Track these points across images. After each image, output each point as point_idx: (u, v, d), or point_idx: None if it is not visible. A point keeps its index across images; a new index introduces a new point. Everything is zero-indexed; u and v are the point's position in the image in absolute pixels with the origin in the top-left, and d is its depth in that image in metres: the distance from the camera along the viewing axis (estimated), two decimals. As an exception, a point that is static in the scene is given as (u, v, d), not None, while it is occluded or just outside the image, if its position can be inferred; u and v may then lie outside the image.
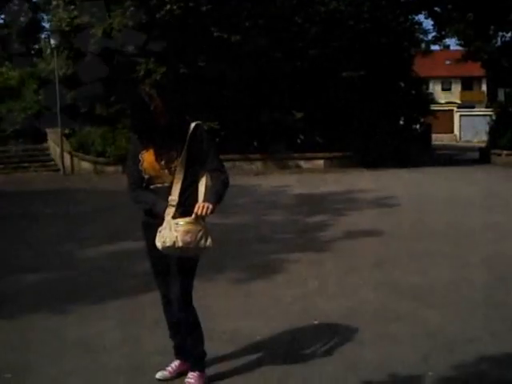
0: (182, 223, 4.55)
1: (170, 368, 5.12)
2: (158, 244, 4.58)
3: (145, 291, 7.18)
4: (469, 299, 7.30)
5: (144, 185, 4.79)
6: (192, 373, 4.92)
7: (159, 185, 4.73)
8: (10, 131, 31.14)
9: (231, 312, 6.91)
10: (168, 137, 4.70)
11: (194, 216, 4.56)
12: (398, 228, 12.46)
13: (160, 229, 4.59)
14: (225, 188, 4.80)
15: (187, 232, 4.54)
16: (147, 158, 4.74)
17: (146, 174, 4.75)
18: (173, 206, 4.63)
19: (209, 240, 4.66)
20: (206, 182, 4.75)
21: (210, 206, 4.57)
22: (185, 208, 4.64)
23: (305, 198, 17.97)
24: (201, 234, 4.60)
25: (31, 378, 5.29)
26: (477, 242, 10.95)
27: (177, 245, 4.53)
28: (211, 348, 5.19)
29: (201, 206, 4.56)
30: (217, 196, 4.70)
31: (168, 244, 4.53)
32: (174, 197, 4.65)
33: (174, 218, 4.59)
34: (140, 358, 5.57)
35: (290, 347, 5.82)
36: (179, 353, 5.17)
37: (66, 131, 29.34)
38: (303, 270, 8.96)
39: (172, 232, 4.53)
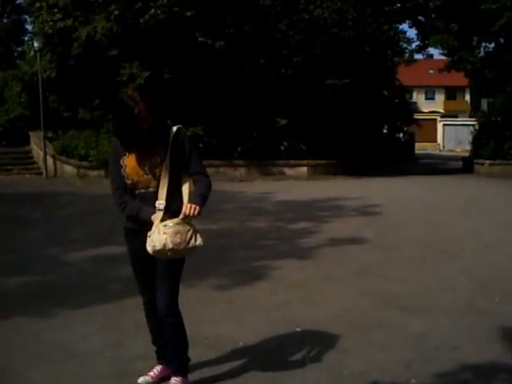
0: (170, 224, 4.54)
1: (152, 373, 5.09)
2: (149, 248, 4.56)
3: (128, 296, 7.15)
4: (451, 307, 7.33)
5: (128, 190, 4.76)
6: (175, 378, 4.90)
7: (143, 190, 4.71)
8: (-8, 134, 31.00)
9: (214, 318, 6.90)
10: (150, 141, 4.66)
11: (181, 216, 4.56)
12: (381, 236, 12.49)
13: (149, 234, 4.57)
14: (208, 191, 4.80)
15: (176, 233, 4.53)
16: (129, 163, 4.71)
17: (129, 180, 4.71)
18: (160, 210, 4.62)
19: (199, 239, 4.66)
20: (190, 186, 4.74)
21: (198, 207, 4.57)
22: (172, 212, 4.63)
23: (288, 204, 17.98)
24: (190, 233, 4.60)
25: (11, 381, 5.25)
26: (459, 250, 11.00)
27: (167, 247, 4.51)
28: (194, 353, 5.18)
29: (188, 206, 4.56)
30: (202, 198, 4.70)
31: (158, 247, 4.52)
32: (162, 201, 4.63)
33: (162, 221, 4.58)
34: (122, 362, 5.55)
35: (273, 354, 5.81)
36: (161, 358, 5.14)
37: (49, 134, 29.23)
38: (286, 277, 8.96)
39: (161, 235, 4.51)
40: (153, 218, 4.60)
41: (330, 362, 5.57)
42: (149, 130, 4.60)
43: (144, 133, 4.58)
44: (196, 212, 4.56)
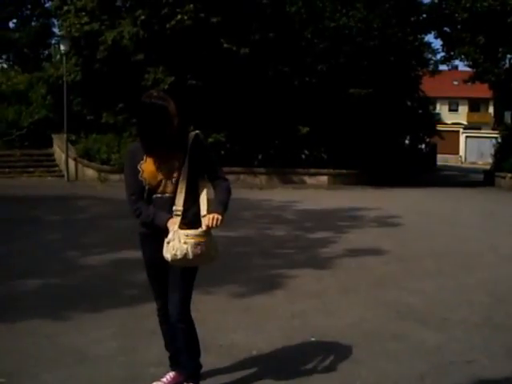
0: (192, 234, 4.53)
1: (165, 379, 5.09)
2: (168, 255, 4.55)
3: (143, 301, 7.16)
4: (468, 321, 7.28)
5: (145, 195, 4.74)
6: (187, 384, 4.91)
7: (159, 195, 4.69)
8: (16, 135, 31.22)
9: (229, 325, 6.90)
10: (169, 146, 4.65)
11: (204, 228, 4.55)
12: (400, 247, 12.44)
13: (167, 240, 4.55)
14: (229, 196, 4.80)
15: (197, 244, 4.52)
16: (147, 167, 4.68)
17: (147, 185, 4.69)
18: (178, 215, 4.61)
19: (217, 250, 4.71)
20: (208, 192, 4.74)
21: (220, 217, 4.56)
22: (188, 218, 4.64)
23: (308, 213, 17.95)
24: (210, 244, 4.61)
25: (25, 383, 5.27)
26: (477, 264, 10.94)
27: (188, 256, 4.51)
28: (207, 360, 5.18)
29: (211, 217, 4.54)
30: (223, 205, 4.70)
31: (179, 257, 4.51)
32: (179, 207, 4.62)
33: (180, 228, 4.57)
34: (136, 367, 5.57)
35: (287, 363, 5.80)
36: (174, 364, 5.14)
37: (72, 137, 29.42)
38: (303, 286, 8.95)
39: (182, 244, 4.50)
40: (169, 223, 4.59)
41: (344, 373, 5.55)
42: (174, 134, 4.61)
43: (169, 135, 4.57)
44: (219, 223, 4.56)
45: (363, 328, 6.93)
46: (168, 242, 4.55)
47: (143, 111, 4.59)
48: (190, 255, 4.51)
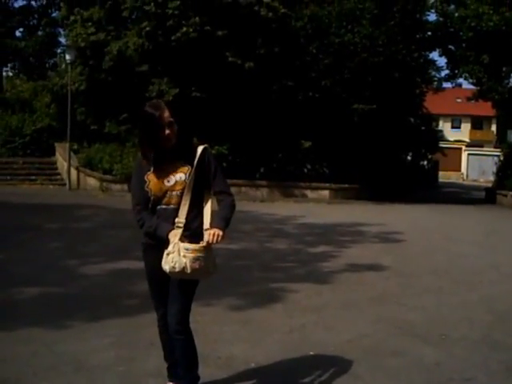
0: (192, 249, 4.53)
1: (162, 390, 5.09)
2: (166, 267, 4.56)
3: (143, 312, 7.17)
4: (467, 338, 7.27)
5: (150, 205, 4.76)
6: (184, 396, 4.89)
7: (164, 206, 4.70)
8: (19, 143, 31.29)
9: (227, 338, 6.88)
10: (176, 158, 4.69)
11: (205, 244, 4.55)
12: (400, 263, 12.43)
13: (167, 251, 4.56)
14: (232, 211, 4.80)
15: (196, 259, 4.53)
16: (153, 178, 4.71)
17: (153, 195, 4.71)
18: (180, 227, 4.62)
19: (216, 266, 4.72)
20: (212, 205, 4.75)
21: (221, 233, 4.56)
22: (190, 231, 4.64)
23: (309, 227, 17.95)
24: (209, 260, 4.62)
25: (23, 391, 5.26)
26: (478, 281, 10.93)
27: (186, 270, 4.52)
28: (206, 372, 5.17)
29: (211, 233, 4.54)
30: (226, 221, 4.70)
31: (177, 270, 4.52)
32: (182, 219, 4.63)
33: (180, 240, 4.58)
34: (134, 378, 5.55)
35: (285, 377, 5.78)
36: (172, 375, 5.13)
37: (75, 146, 29.48)
38: (302, 301, 8.93)
39: (181, 258, 4.51)
40: (170, 235, 4.60)
41: (342, 388, 5.54)
42: (174, 146, 4.65)
43: (167, 143, 4.62)
44: (219, 239, 4.55)
45: (362, 343, 6.91)
46: (168, 254, 4.56)
47: (138, 117, 4.72)
48: (189, 269, 4.52)
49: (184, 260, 4.50)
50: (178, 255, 4.52)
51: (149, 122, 4.57)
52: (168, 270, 4.56)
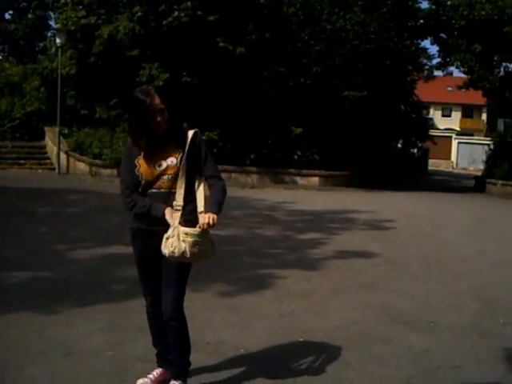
0: (191, 233, 4.54)
1: (151, 375, 5.07)
2: (165, 251, 4.56)
3: (132, 297, 7.17)
4: (456, 326, 7.29)
5: (140, 190, 4.74)
6: (174, 381, 4.88)
7: (155, 190, 4.70)
8: (8, 126, 31.14)
9: (217, 324, 6.89)
10: (167, 143, 4.69)
11: (201, 227, 4.54)
12: (389, 250, 12.45)
13: (166, 235, 4.56)
14: (224, 196, 4.80)
15: (195, 244, 4.54)
16: (144, 163, 4.70)
17: (143, 180, 4.70)
18: (178, 210, 4.62)
19: (214, 249, 4.75)
20: (204, 189, 4.75)
21: (216, 217, 4.57)
22: (187, 214, 4.65)
23: (299, 214, 17.95)
24: (207, 243, 4.64)
25: (11, 376, 5.24)
26: (467, 269, 10.97)
27: (185, 255, 4.54)
28: (195, 358, 5.15)
29: (207, 217, 4.55)
30: (218, 205, 4.71)
31: (177, 254, 4.53)
32: (180, 202, 4.63)
33: (180, 224, 4.58)
34: (122, 363, 5.54)
35: (274, 363, 5.79)
36: (162, 360, 5.13)
37: (65, 131, 29.34)
38: (292, 287, 8.94)
39: (180, 243, 4.51)
40: (168, 217, 4.60)
41: (331, 375, 5.54)
42: (164, 131, 4.65)
43: (158, 129, 4.61)
44: (215, 222, 4.55)
45: (351, 330, 6.93)
46: (167, 238, 4.56)
47: (128, 103, 4.74)
48: (188, 253, 4.54)
49: (184, 245, 4.51)
50: (177, 240, 4.52)
51: (140, 110, 4.56)
52: (168, 255, 4.57)
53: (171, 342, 4.91)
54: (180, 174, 4.64)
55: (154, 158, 4.68)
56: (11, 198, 18.23)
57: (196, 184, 4.75)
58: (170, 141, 4.70)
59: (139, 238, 4.84)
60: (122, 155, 5.04)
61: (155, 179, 4.69)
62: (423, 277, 10.10)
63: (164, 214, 4.61)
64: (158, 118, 4.58)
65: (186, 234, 4.53)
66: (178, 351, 4.93)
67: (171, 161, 4.67)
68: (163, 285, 4.81)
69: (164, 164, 4.67)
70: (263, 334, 6.57)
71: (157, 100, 4.56)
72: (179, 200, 4.63)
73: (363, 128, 29.94)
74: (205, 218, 4.55)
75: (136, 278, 5.12)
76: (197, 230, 4.55)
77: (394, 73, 30.95)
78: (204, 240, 4.60)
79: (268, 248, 12.15)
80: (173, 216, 4.60)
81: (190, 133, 4.75)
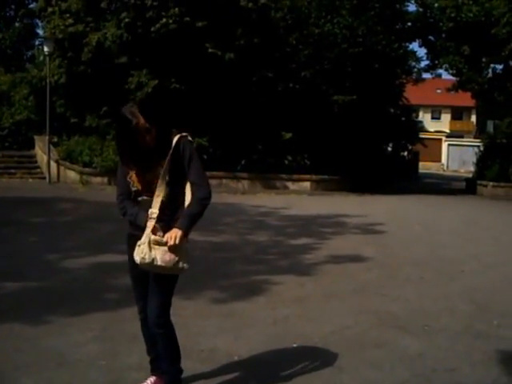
0: (163, 241, 4.50)
1: (145, 384, 5.06)
2: (137, 258, 4.53)
3: (125, 305, 7.14)
4: (450, 328, 7.29)
5: (132, 196, 4.75)
6: (168, 389, 4.86)
7: (145, 197, 4.69)
8: (-3, 135, 31.09)
9: (210, 331, 6.86)
10: (152, 158, 4.64)
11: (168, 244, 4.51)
12: (382, 254, 12.46)
13: (139, 243, 4.54)
14: (201, 207, 4.66)
15: (166, 251, 4.50)
16: (134, 175, 4.72)
17: (134, 187, 4.71)
18: (153, 218, 4.59)
19: (187, 262, 4.63)
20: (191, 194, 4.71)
21: (179, 234, 4.49)
22: (165, 222, 4.61)
23: (290, 219, 17.94)
24: (180, 255, 4.57)
25: (4, 387, 5.22)
26: (459, 272, 10.97)
27: (155, 262, 4.49)
28: (188, 366, 5.15)
29: (168, 236, 4.50)
30: (190, 219, 4.61)
31: (147, 261, 4.50)
32: (155, 210, 4.59)
33: (153, 232, 4.55)
34: (117, 372, 5.52)
35: (268, 369, 5.77)
36: (155, 369, 5.11)
37: (55, 139, 29.27)
38: (285, 292, 8.92)
39: (151, 250, 4.49)
40: (147, 224, 4.60)
41: (325, 380, 5.54)
42: (152, 143, 4.58)
43: (144, 148, 4.56)
44: (177, 241, 4.48)
45: (345, 335, 6.92)
46: (139, 245, 4.55)
47: (115, 122, 4.76)
48: (158, 261, 4.49)
49: (153, 252, 4.48)
50: (147, 247, 4.49)
51: (127, 135, 4.51)
52: (138, 261, 4.54)
53: (161, 350, 4.89)
54: (159, 182, 4.61)
55: (144, 169, 4.68)
56: (1, 207, 18.16)
57: (184, 190, 4.70)
58: (158, 149, 4.64)
59: (132, 243, 4.81)
60: (119, 161, 5.03)
61: (144, 187, 4.69)
62: (416, 280, 10.11)
63: (145, 225, 4.60)
64: (147, 137, 4.53)
65: (158, 242, 4.50)
66: (168, 359, 4.91)
67: (159, 170, 4.64)
68: (149, 291, 4.79)
69: (153, 171, 4.65)
70: (257, 341, 6.55)
71: (141, 120, 4.49)
72: (154, 208, 4.59)
73: (353, 132, 30.00)
74: (168, 237, 4.50)
75: (129, 287, 5.11)
76: (165, 240, 4.52)
77: (382, 76, 31.04)
78: (176, 249, 4.54)
79: (260, 254, 12.14)
80: (147, 224, 4.59)
81: (175, 138, 4.69)
